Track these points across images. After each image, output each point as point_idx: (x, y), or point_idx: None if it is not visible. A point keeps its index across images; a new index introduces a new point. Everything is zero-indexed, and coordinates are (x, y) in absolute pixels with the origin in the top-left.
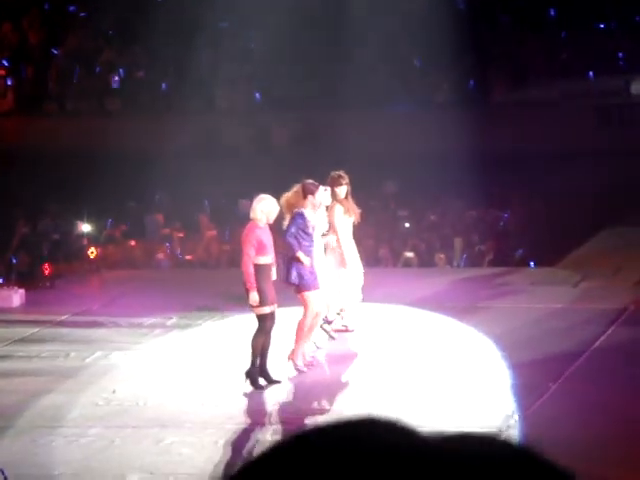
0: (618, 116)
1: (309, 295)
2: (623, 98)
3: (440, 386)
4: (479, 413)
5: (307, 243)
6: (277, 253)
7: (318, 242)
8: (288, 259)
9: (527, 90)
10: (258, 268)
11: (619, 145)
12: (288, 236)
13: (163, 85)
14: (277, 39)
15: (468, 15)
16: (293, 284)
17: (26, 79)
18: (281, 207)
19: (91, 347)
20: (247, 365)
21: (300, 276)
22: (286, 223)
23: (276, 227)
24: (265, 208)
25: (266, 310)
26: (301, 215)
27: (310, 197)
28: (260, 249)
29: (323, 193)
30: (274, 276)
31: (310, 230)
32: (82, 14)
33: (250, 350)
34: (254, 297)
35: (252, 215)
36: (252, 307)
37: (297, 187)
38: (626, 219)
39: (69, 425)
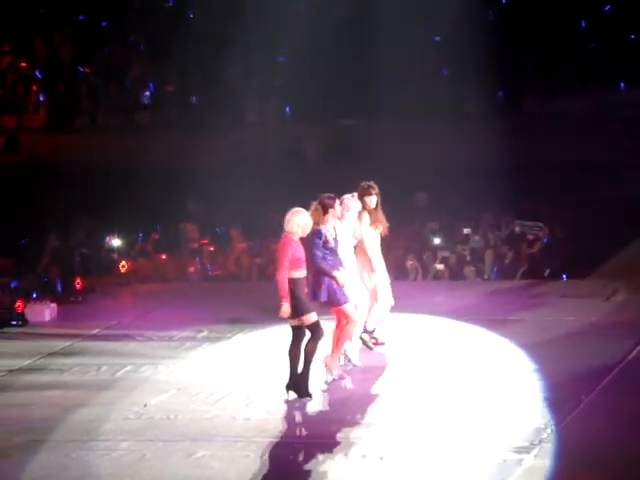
0: None
1: (344, 308)
2: None
3: (472, 399)
4: (511, 427)
5: (331, 258)
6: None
7: (348, 253)
8: (316, 278)
9: (557, 101)
10: (293, 282)
11: None
12: (317, 260)
13: (193, 99)
14: (306, 52)
15: (498, 25)
16: (324, 302)
17: (58, 95)
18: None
19: (122, 361)
20: (288, 377)
21: (329, 292)
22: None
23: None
24: (301, 221)
25: (312, 318)
26: (318, 234)
27: (331, 210)
28: (295, 262)
29: (350, 201)
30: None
31: (332, 244)
32: (113, 29)
33: (289, 361)
34: (286, 308)
35: (287, 228)
36: (291, 318)
37: (315, 204)
38: None
39: (100, 439)
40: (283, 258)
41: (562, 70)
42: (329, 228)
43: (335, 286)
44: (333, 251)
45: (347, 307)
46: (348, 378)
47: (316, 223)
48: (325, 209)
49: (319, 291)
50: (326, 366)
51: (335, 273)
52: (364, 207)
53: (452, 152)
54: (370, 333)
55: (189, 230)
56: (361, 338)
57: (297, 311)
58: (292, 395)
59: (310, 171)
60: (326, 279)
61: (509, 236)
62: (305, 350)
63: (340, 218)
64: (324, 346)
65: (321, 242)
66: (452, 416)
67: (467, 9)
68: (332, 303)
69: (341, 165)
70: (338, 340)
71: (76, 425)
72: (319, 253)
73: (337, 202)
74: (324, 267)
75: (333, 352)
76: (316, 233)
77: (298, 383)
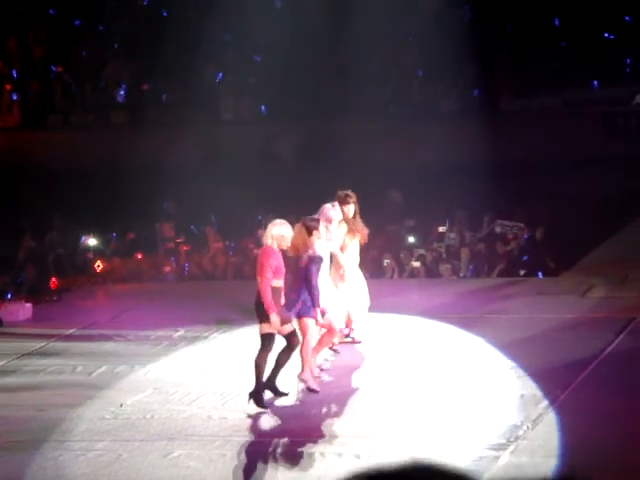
0: (624, 124)
1: (307, 321)
2: (629, 106)
3: (449, 396)
4: (488, 424)
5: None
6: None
7: (324, 264)
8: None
9: (533, 98)
10: (271, 291)
11: (626, 152)
12: (314, 288)
13: (168, 98)
14: (281, 51)
15: (473, 24)
16: (295, 315)
17: (31, 94)
18: (286, 250)
19: (98, 361)
20: (252, 386)
21: (302, 302)
22: (302, 265)
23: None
24: (275, 233)
25: (288, 328)
26: (317, 262)
27: (315, 232)
28: (275, 272)
29: (331, 211)
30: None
31: (323, 263)
32: (87, 28)
33: (255, 368)
34: (275, 319)
35: (264, 240)
36: (262, 326)
37: (298, 227)
38: (632, 227)
39: (76, 439)
40: (265, 270)
41: (536, 68)
42: (319, 249)
43: (309, 303)
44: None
45: (309, 321)
46: (325, 379)
47: (301, 245)
48: (309, 231)
49: (296, 305)
50: (304, 382)
51: (272, 316)
52: (342, 216)
53: (427, 151)
54: (348, 335)
55: (165, 229)
56: (346, 341)
57: (260, 317)
58: (268, 394)
59: (285, 170)
60: (305, 295)
61: (486, 234)
62: (279, 358)
63: (328, 237)
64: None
65: (318, 264)
66: (429, 414)
67: (441, 8)
68: (300, 313)
69: (316, 164)
70: (304, 356)
71: (52, 425)
72: (314, 270)
73: (321, 225)
74: (316, 285)
75: (304, 368)
76: (315, 261)
77: (256, 394)
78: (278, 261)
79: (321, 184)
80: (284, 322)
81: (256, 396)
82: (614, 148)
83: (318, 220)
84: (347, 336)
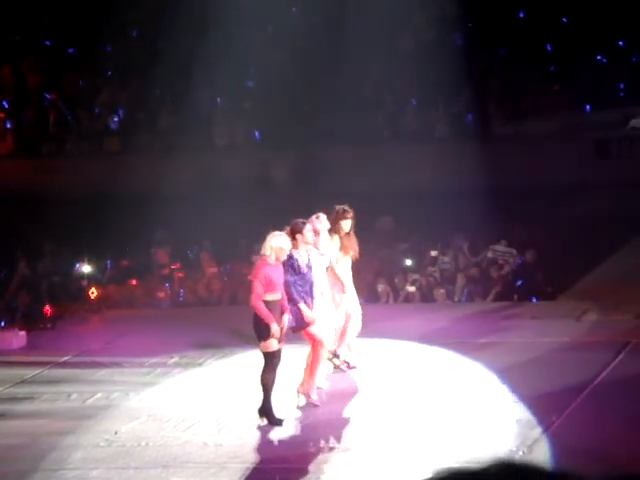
0: (617, 148)
1: (312, 330)
2: (622, 131)
3: (444, 422)
4: (483, 448)
5: (301, 284)
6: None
7: (320, 277)
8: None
9: (525, 123)
10: (265, 304)
11: (619, 176)
12: (287, 286)
13: (162, 124)
14: (276, 77)
15: (465, 48)
16: (292, 327)
17: (25, 121)
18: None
19: (92, 388)
20: (260, 403)
21: (296, 318)
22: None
23: None
24: (274, 244)
25: (273, 347)
26: (289, 259)
27: (298, 236)
28: (268, 286)
29: (316, 223)
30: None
31: (304, 270)
32: (80, 56)
33: (261, 387)
34: (275, 327)
35: (262, 251)
36: (260, 344)
37: (287, 229)
38: (626, 251)
39: (71, 467)
40: (255, 283)
41: (529, 93)
42: (301, 253)
43: (299, 311)
44: (304, 277)
45: (314, 329)
46: (321, 402)
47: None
48: (293, 233)
49: (289, 316)
50: (303, 394)
51: (301, 305)
52: (337, 231)
53: (420, 175)
54: (338, 357)
55: (159, 256)
56: (332, 362)
57: (259, 335)
58: (265, 421)
59: (279, 195)
60: (293, 305)
61: (480, 259)
62: (260, 381)
63: (314, 243)
64: (296, 374)
65: (291, 267)
66: (424, 439)
67: (433, 33)
68: (300, 327)
69: (309, 188)
70: (309, 366)
71: (46, 454)
72: (290, 279)
73: (307, 227)
74: (293, 294)
75: (306, 379)
76: (288, 258)
77: (266, 410)
78: (276, 273)
79: (315, 209)
80: (266, 338)
81: (268, 415)
82: (607, 172)
83: (304, 223)
84: (336, 356)
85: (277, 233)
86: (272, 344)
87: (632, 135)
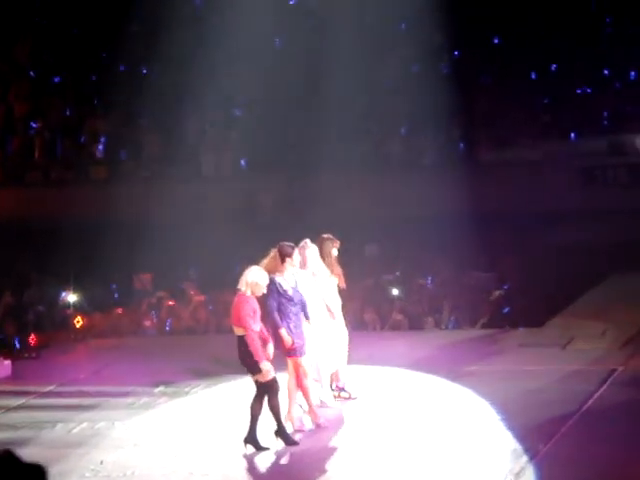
0: (602, 176)
1: (297, 360)
2: (607, 159)
3: (431, 450)
4: (470, 477)
5: (291, 307)
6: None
7: (311, 302)
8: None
9: (512, 151)
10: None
11: (604, 204)
12: (269, 310)
13: (148, 153)
14: (262, 106)
15: (451, 76)
16: (278, 349)
17: (11, 151)
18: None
19: (78, 417)
20: (246, 432)
21: (275, 341)
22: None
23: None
24: (250, 280)
25: (269, 376)
26: (272, 282)
27: (288, 260)
28: (252, 318)
29: (305, 249)
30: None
31: (291, 293)
32: (66, 85)
33: (250, 415)
34: (267, 367)
35: (238, 286)
36: (255, 374)
37: (273, 252)
38: (611, 277)
39: None
40: (245, 320)
41: (515, 121)
42: (287, 277)
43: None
44: (292, 299)
45: (300, 360)
46: (307, 431)
47: (273, 271)
48: (282, 257)
49: (273, 340)
50: (289, 420)
51: (282, 331)
52: (323, 258)
53: (407, 202)
54: (341, 389)
55: (144, 281)
56: (339, 396)
57: (249, 367)
58: (250, 449)
59: (266, 223)
60: (274, 330)
61: (467, 287)
62: (250, 408)
63: (302, 266)
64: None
65: (275, 292)
66: (412, 468)
67: (420, 61)
68: (284, 352)
69: (295, 216)
70: (290, 393)
71: None
72: (273, 303)
73: (296, 251)
74: (275, 319)
75: (290, 406)
76: (270, 282)
77: (253, 439)
78: (256, 307)
79: (302, 237)
80: (256, 370)
81: (254, 442)
82: (592, 200)
83: (294, 247)
84: (342, 390)
85: (254, 268)
86: (267, 374)
87: (616, 163)
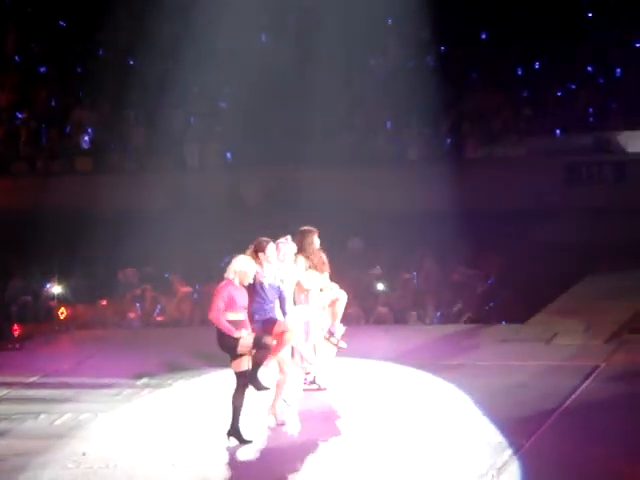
0: (587, 173)
1: (276, 350)
2: (591, 156)
3: (413, 444)
4: (452, 472)
5: (261, 301)
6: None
7: (288, 297)
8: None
9: (497, 147)
10: (230, 323)
11: (588, 201)
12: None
13: (134, 144)
14: (247, 98)
15: (437, 72)
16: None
17: None
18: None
19: (60, 409)
20: (229, 424)
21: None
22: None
23: None
24: (237, 268)
25: (244, 366)
26: (254, 279)
27: (260, 254)
28: (230, 305)
29: (285, 245)
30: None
31: (265, 287)
32: (52, 75)
33: (232, 408)
34: (243, 333)
35: (226, 274)
36: (231, 363)
37: (251, 247)
38: (594, 274)
39: None
40: (217, 299)
41: (500, 117)
42: (265, 272)
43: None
44: (266, 296)
45: (278, 349)
46: (292, 424)
47: None
48: (256, 251)
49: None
50: (272, 414)
51: (235, 333)
52: (306, 250)
53: (394, 198)
54: (312, 381)
55: (129, 275)
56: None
57: (228, 351)
58: (233, 441)
59: (250, 216)
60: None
61: (451, 282)
62: (232, 401)
63: (273, 262)
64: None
65: (257, 287)
66: (394, 462)
67: (406, 56)
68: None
69: (282, 210)
70: (276, 387)
71: (14, 474)
72: (257, 300)
73: (270, 246)
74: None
75: (274, 400)
76: (254, 287)
77: (236, 432)
78: (240, 295)
79: (287, 230)
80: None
81: (237, 435)
82: (576, 197)
83: (268, 242)
84: (312, 383)
85: (241, 257)
86: (243, 363)
87: (601, 160)
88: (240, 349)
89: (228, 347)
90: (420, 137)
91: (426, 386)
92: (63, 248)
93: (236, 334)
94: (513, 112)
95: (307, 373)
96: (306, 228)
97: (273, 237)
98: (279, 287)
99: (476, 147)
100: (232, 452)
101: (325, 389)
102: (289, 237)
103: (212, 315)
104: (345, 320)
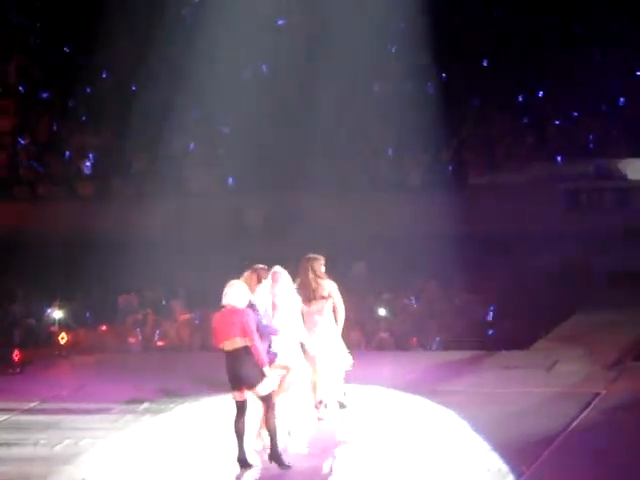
0: (587, 199)
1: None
2: (592, 182)
3: (414, 470)
4: None
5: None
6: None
7: (287, 322)
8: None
9: (499, 173)
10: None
11: (588, 227)
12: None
13: (135, 170)
14: (249, 123)
15: (439, 99)
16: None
17: None
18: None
19: (60, 434)
20: (235, 451)
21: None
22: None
23: None
24: (240, 293)
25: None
26: (252, 307)
27: (265, 282)
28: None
29: (279, 274)
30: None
31: (262, 313)
32: (54, 100)
33: (235, 436)
34: (269, 371)
35: (228, 301)
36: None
37: (249, 273)
38: (596, 301)
39: None
40: (252, 326)
41: (502, 143)
42: (259, 299)
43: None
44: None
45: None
46: (293, 451)
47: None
48: (259, 279)
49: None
50: (260, 438)
51: (266, 369)
52: (308, 275)
53: (393, 222)
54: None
55: (130, 300)
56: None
57: (252, 379)
58: (240, 467)
59: (251, 241)
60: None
61: (453, 307)
62: (234, 427)
63: (274, 289)
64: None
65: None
66: None
67: (408, 82)
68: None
69: (282, 236)
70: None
71: None
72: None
73: (269, 274)
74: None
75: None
76: (253, 313)
77: (273, 456)
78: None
79: (288, 255)
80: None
81: (277, 459)
82: (577, 223)
83: (267, 270)
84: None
85: (233, 282)
86: (268, 386)
87: (601, 187)
88: (260, 389)
89: (250, 377)
90: (421, 163)
91: (427, 412)
92: (64, 273)
93: (266, 371)
94: (515, 139)
95: (319, 402)
96: (312, 256)
97: (274, 263)
98: (269, 316)
99: (478, 174)
100: (236, 478)
101: (323, 419)
102: (278, 267)
103: (254, 348)
104: (346, 344)
